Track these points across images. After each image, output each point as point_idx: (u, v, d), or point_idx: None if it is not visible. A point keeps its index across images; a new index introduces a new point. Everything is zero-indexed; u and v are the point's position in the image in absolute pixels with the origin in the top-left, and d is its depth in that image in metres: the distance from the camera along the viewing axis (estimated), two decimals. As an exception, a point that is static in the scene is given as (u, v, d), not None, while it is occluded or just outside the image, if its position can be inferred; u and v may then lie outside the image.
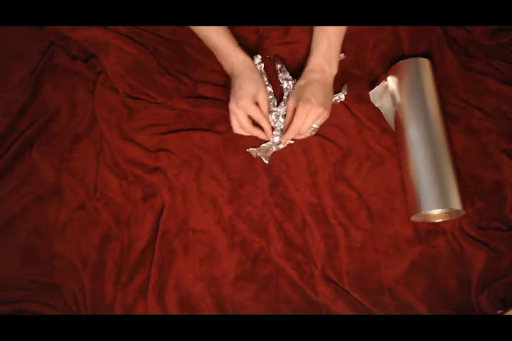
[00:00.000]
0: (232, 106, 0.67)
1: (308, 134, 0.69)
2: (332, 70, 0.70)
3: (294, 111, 0.67)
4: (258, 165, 0.69)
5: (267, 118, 0.69)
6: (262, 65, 0.74)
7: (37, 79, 0.75)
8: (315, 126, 0.67)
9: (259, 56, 0.73)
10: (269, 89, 0.73)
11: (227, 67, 0.72)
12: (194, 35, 0.75)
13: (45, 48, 0.78)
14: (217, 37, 0.69)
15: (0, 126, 0.71)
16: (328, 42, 0.68)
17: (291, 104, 0.68)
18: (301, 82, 0.69)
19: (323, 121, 0.69)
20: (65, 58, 0.77)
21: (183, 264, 0.64)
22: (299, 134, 0.68)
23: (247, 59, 0.70)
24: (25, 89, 0.74)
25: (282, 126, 0.70)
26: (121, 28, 0.74)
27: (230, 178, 0.68)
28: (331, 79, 0.70)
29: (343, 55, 0.75)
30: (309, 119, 0.66)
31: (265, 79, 0.73)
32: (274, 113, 0.71)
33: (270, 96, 0.72)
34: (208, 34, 0.70)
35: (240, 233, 0.65)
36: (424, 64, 0.71)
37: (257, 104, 0.68)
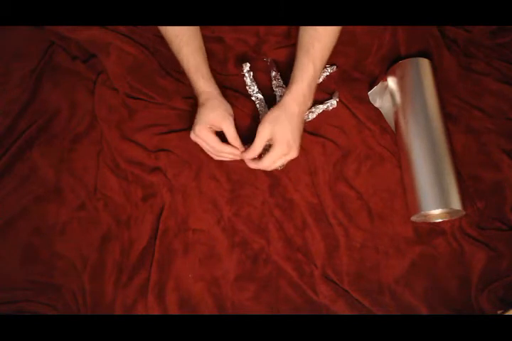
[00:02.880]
0: (191, 134, 0.64)
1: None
2: (311, 100, 0.65)
3: (265, 139, 0.62)
4: (258, 165, 0.69)
5: (235, 143, 0.64)
6: (251, 73, 0.73)
7: (37, 79, 0.75)
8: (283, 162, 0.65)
9: (248, 64, 0.73)
10: (260, 96, 0.72)
11: (193, 89, 0.68)
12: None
13: (45, 48, 0.78)
14: (188, 57, 0.66)
15: (0, 126, 0.71)
16: (313, 69, 0.63)
17: (266, 133, 0.62)
18: (280, 112, 0.62)
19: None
20: (65, 58, 0.77)
21: (183, 264, 0.64)
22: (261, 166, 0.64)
23: (206, 91, 0.65)
24: (25, 89, 0.74)
25: None
26: (122, 28, 0.74)
27: (229, 179, 0.68)
28: (306, 110, 0.66)
29: (335, 67, 0.74)
30: (281, 162, 0.63)
31: (255, 87, 0.73)
32: None
33: (263, 104, 0.72)
34: (181, 51, 0.67)
35: (239, 233, 0.65)
36: (424, 64, 0.71)
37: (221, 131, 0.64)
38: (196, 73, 0.66)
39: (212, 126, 0.64)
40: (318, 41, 0.64)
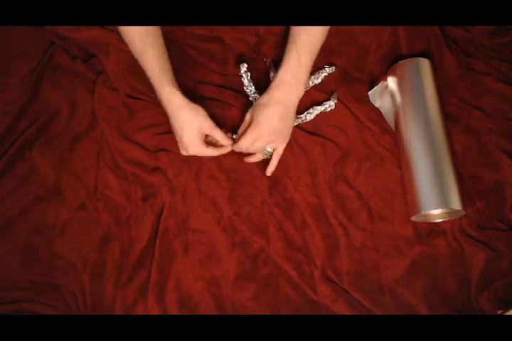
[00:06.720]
0: (184, 153, 0.65)
1: (261, 157, 0.67)
2: (299, 90, 0.64)
3: (249, 125, 0.65)
4: (257, 165, 0.69)
5: (224, 142, 0.66)
6: (249, 73, 0.73)
7: (37, 79, 0.75)
8: (269, 149, 0.66)
9: (245, 65, 0.72)
10: (258, 97, 0.72)
11: (156, 95, 0.66)
12: (193, 36, 0.75)
13: (45, 48, 0.78)
14: (153, 61, 0.65)
15: (0, 126, 0.71)
16: (297, 58, 0.63)
17: (248, 117, 0.65)
18: (264, 98, 0.64)
19: (280, 147, 0.66)
20: (65, 58, 0.77)
21: (183, 264, 0.64)
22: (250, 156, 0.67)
23: (172, 91, 0.63)
24: (26, 89, 0.74)
25: None
26: (122, 28, 0.74)
27: (229, 178, 0.68)
28: (295, 100, 0.64)
29: (333, 68, 0.74)
30: (256, 146, 0.64)
31: (252, 87, 0.73)
32: None
33: None
34: (145, 52, 0.65)
35: (239, 233, 0.65)
36: (424, 64, 0.71)
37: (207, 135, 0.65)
38: (161, 77, 0.64)
39: (198, 135, 0.63)
40: (303, 30, 0.64)
